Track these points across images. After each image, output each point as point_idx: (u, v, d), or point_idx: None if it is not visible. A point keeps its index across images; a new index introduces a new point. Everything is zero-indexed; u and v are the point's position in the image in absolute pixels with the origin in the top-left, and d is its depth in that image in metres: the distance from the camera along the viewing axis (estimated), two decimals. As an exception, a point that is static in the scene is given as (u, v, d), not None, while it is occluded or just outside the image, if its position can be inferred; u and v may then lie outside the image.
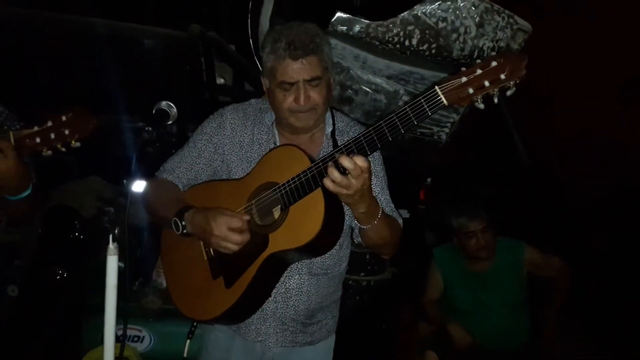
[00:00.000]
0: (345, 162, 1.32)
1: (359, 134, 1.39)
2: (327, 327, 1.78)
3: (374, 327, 3.14)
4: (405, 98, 2.78)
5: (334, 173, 1.33)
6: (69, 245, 2.64)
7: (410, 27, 2.44)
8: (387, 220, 1.54)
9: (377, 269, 3.11)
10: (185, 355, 1.71)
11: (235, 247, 1.46)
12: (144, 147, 1.32)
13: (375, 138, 1.34)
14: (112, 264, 1.19)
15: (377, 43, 2.46)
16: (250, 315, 1.63)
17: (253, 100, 1.73)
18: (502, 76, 1.24)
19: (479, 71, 1.25)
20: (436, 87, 1.29)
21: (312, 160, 1.46)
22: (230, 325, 1.70)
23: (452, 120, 2.92)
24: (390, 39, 2.44)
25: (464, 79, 1.26)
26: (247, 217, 1.50)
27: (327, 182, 1.35)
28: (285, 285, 1.63)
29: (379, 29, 2.42)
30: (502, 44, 2.64)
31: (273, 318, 1.66)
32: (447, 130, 2.97)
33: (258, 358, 1.74)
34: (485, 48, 2.59)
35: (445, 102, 1.28)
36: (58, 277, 2.54)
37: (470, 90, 1.26)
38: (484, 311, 2.73)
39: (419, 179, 3.43)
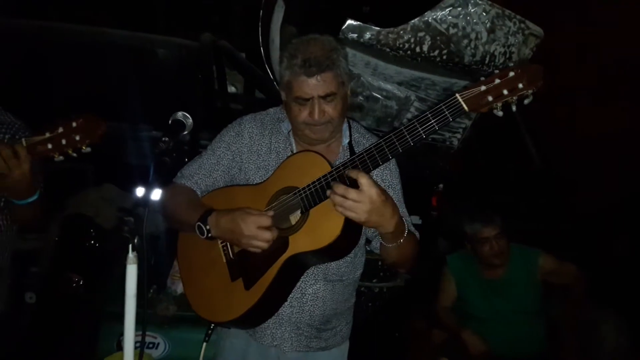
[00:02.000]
0: (338, 189, 1.37)
1: (380, 139, 1.42)
2: (342, 333, 1.79)
3: (387, 333, 3.13)
4: (417, 104, 2.78)
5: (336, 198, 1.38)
6: (85, 252, 2.67)
7: (421, 34, 2.44)
8: (411, 239, 1.55)
9: (389, 276, 3.10)
10: (201, 359, 1.72)
11: (266, 245, 1.49)
12: (161, 157, 1.34)
13: (396, 143, 1.38)
14: (132, 272, 1.20)
15: (387, 50, 2.47)
16: (267, 318, 1.65)
17: (271, 110, 1.76)
18: (520, 85, 1.29)
19: (497, 80, 1.31)
20: (457, 95, 1.34)
21: (331, 165, 1.49)
22: (247, 329, 1.72)
23: (464, 126, 2.92)
24: (401, 46, 2.45)
25: (483, 88, 1.31)
26: (271, 213, 1.53)
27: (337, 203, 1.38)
28: (301, 290, 1.65)
29: (390, 35, 2.43)
30: (513, 49, 2.64)
31: (289, 323, 1.67)
32: (459, 136, 2.96)
33: None
34: (496, 53, 2.59)
35: (465, 108, 1.32)
36: (74, 285, 2.56)
37: (490, 98, 1.31)
38: (498, 318, 2.70)
39: (431, 185, 3.43)
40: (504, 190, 3.72)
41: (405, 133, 1.37)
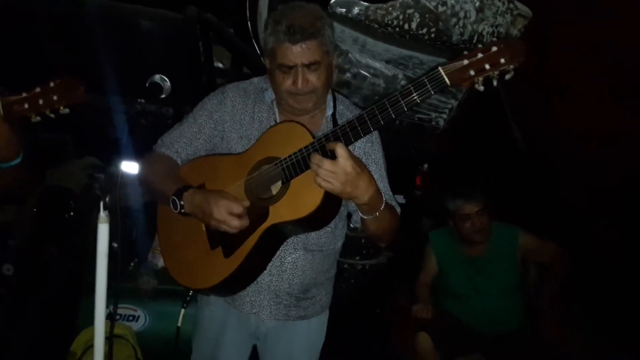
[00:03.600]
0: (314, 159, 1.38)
1: (362, 111, 1.41)
2: (321, 303, 1.80)
3: (369, 310, 3.16)
4: (404, 82, 2.76)
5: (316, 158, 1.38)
6: (63, 224, 2.64)
7: (409, 11, 2.43)
8: (389, 211, 1.55)
9: (372, 253, 3.13)
10: (179, 324, 1.72)
11: (233, 231, 1.49)
12: (137, 119, 1.31)
13: (378, 115, 1.38)
14: (104, 231, 1.19)
15: (376, 26, 2.45)
16: (246, 286, 1.66)
17: (255, 79, 1.74)
18: (502, 60, 1.28)
19: (480, 55, 1.30)
20: (439, 68, 1.33)
21: (314, 136, 1.48)
22: (226, 296, 1.73)
23: (450, 106, 2.92)
24: (390, 22, 2.43)
25: (465, 62, 1.31)
26: (247, 204, 1.52)
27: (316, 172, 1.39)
28: (280, 259, 1.65)
29: (379, 11, 2.41)
30: (501, 29, 2.63)
31: (268, 291, 1.68)
32: (445, 116, 2.96)
33: (252, 332, 1.78)
34: (485, 33, 2.58)
35: (447, 81, 1.32)
36: (52, 256, 2.54)
37: (472, 72, 1.30)
38: (478, 295, 2.75)
39: (416, 164, 3.44)
40: (487, 171, 3.75)
41: (387, 105, 1.37)
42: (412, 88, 1.35)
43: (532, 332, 2.70)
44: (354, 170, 1.36)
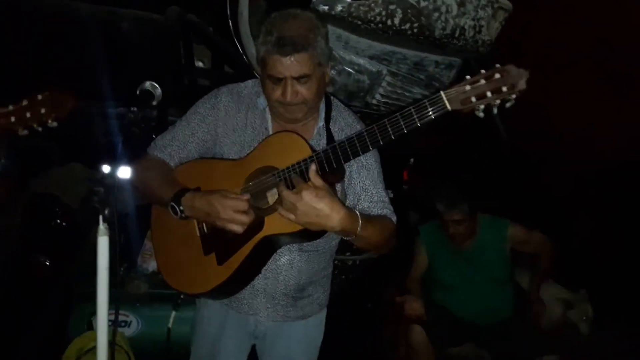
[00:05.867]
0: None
1: (361, 130, 1.42)
2: (319, 301, 1.80)
3: (360, 305, 3.18)
4: (388, 78, 2.77)
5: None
6: (52, 232, 2.61)
7: (392, 6, 2.43)
8: (372, 227, 1.49)
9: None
10: (169, 325, 1.72)
11: (241, 229, 1.49)
12: (130, 128, 1.31)
13: (378, 135, 1.38)
14: (103, 244, 1.18)
15: (359, 22, 2.45)
16: (239, 290, 1.66)
17: (249, 82, 1.72)
18: (504, 88, 1.29)
19: (482, 81, 1.30)
20: (441, 93, 1.33)
21: (313, 149, 1.48)
22: (221, 299, 1.73)
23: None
24: (373, 18, 2.44)
25: (467, 88, 1.31)
26: (248, 197, 1.52)
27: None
28: (275, 261, 1.65)
29: (361, 8, 2.41)
30: (483, 23, 2.65)
31: (264, 294, 1.68)
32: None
33: (251, 331, 1.78)
34: (466, 27, 2.60)
35: (449, 107, 1.32)
36: (41, 266, 2.51)
37: (473, 99, 1.31)
38: (468, 287, 2.78)
39: (403, 159, 3.45)
40: (472, 166, 3.78)
41: (388, 126, 1.37)
42: (413, 111, 1.35)
43: (522, 321, 2.74)
44: (312, 202, 1.35)
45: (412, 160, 3.52)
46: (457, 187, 2.84)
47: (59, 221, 2.57)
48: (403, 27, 2.49)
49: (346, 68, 2.71)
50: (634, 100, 3.23)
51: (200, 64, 3.89)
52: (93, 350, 2.24)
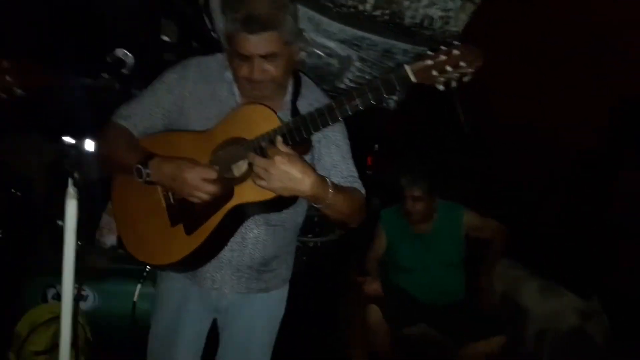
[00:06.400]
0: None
1: (330, 102, 1.43)
2: (282, 276, 1.82)
3: (321, 286, 3.22)
4: (358, 64, 2.80)
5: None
6: (6, 202, 2.52)
7: (365, -9, 2.45)
8: (342, 196, 1.51)
9: (324, 231, 3.18)
10: (135, 299, 1.70)
11: (207, 197, 1.49)
12: (100, 95, 1.28)
13: (346, 105, 1.40)
14: (72, 207, 1.16)
15: (331, 5, 2.46)
16: (207, 262, 1.65)
17: (219, 55, 1.69)
18: (462, 64, 1.35)
19: (442, 56, 1.37)
20: (405, 66, 1.38)
21: (281, 120, 1.48)
22: (186, 272, 1.72)
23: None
24: (345, 2, 2.45)
25: (429, 62, 1.37)
26: (217, 168, 1.52)
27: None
28: (242, 234, 1.65)
29: (335, -10, 2.41)
30: (451, 14, 2.70)
31: (229, 266, 1.69)
32: (395, 97, 3.03)
33: (214, 306, 1.78)
34: (435, 17, 2.65)
35: (413, 79, 1.37)
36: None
37: (434, 72, 1.37)
38: (424, 269, 2.89)
39: (368, 145, 3.50)
40: (435, 152, 3.87)
41: (355, 96, 1.40)
42: (379, 82, 1.39)
43: (472, 304, 2.86)
44: (284, 166, 1.38)
45: (376, 146, 3.57)
46: (421, 167, 2.92)
47: (14, 191, 2.48)
48: (374, 13, 2.51)
49: (316, 51, 2.71)
50: (597, 88, 3.36)
51: (166, 39, 3.80)
52: (47, 322, 2.21)
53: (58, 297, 2.33)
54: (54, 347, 2.19)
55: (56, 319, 2.21)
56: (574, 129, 3.51)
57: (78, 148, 1.15)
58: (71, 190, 1.14)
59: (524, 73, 3.61)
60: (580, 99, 3.45)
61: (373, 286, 2.79)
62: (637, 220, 3.22)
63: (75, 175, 1.12)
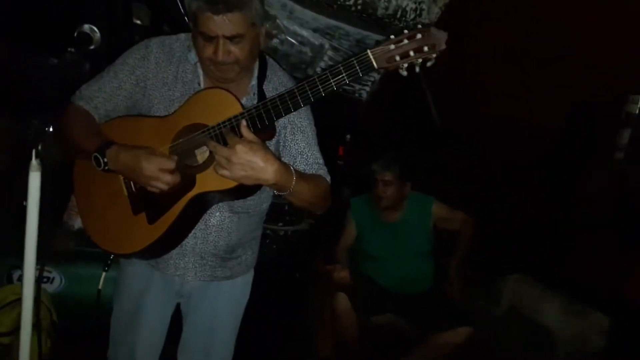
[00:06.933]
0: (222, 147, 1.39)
1: (292, 87, 1.42)
2: (247, 262, 1.82)
3: (290, 274, 3.24)
4: (330, 53, 2.82)
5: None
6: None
7: (338, -20, 2.46)
8: (306, 183, 1.51)
9: (294, 220, 3.20)
10: (100, 287, 1.69)
11: (165, 187, 1.47)
12: (67, 69, 1.26)
13: (308, 92, 1.40)
14: (35, 180, 1.15)
15: (305, -7, 2.47)
16: (170, 250, 1.65)
17: (182, 35, 1.67)
18: (425, 48, 1.36)
19: (405, 41, 1.37)
20: (368, 51, 1.38)
21: (243, 106, 1.47)
22: (149, 259, 1.71)
23: (372, 79, 3.02)
24: (318, -10, 2.46)
25: (392, 47, 1.37)
26: (175, 158, 1.50)
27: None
28: (205, 222, 1.64)
29: (308, -22, 2.43)
30: (424, 7, 2.74)
31: (192, 253, 1.68)
32: (367, 88, 3.06)
33: (176, 291, 1.78)
34: (408, 9, 2.68)
35: (375, 65, 1.37)
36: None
37: (397, 58, 1.37)
38: (393, 258, 2.92)
39: (339, 135, 3.53)
40: (405, 143, 3.93)
41: (318, 83, 1.39)
42: (342, 68, 1.38)
43: (440, 294, 2.91)
44: (246, 155, 1.36)
45: (348, 136, 3.60)
46: (393, 153, 2.97)
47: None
48: (347, 3, 2.53)
49: (289, 38, 2.72)
50: (559, 90, 3.45)
51: (138, 23, 3.74)
52: (12, 303, 2.18)
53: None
54: (19, 328, 2.17)
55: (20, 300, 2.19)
56: (540, 129, 3.61)
57: (42, 121, 1.14)
58: (34, 162, 1.13)
59: (496, 70, 3.69)
60: (543, 99, 3.55)
61: (342, 274, 2.81)
62: (596, 215, 3.35)
63: (39, 147, 1.11)
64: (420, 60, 1.37)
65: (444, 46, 1.37)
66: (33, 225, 1.19)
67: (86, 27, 1.36)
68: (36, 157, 1.13)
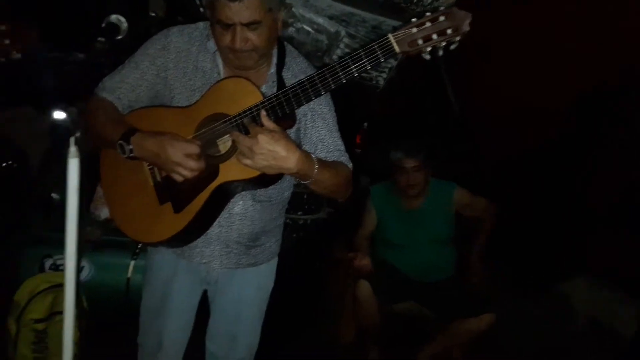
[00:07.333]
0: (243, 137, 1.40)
1: (312, 74, 1.42)
2: (271, 249, 1.84)
3: (309, 264, 3.27)
4: (346, 40, 2.82)
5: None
6: (2, 174, 2.53)
7: (354, -34, 2.46)
8: (328, 171, 1.51)
9: (314, 209, 3.22)
10: (129, 275, 1.73)
11: (190, 174, 1.48)
12: (97, 58, 1.30)
13: (329, 79, 1.39)
14: (74, 166, 1.18)
15: (321, -20, 2.47)
16: (196, 238, 1.67)
17: (201, 24, 1.67)
18: (449, 31, 1.33)
19: (428, 24, 1.34)
20: (389, 35, 1.36)
21: (264, 95, 1.48)
22: (175, 247, 1.74)
23: (390, 65, 3.01)
24: (334, -23, 2.46)
25: (414, 30, 1.34)
26: (200, 143, 1.51)
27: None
28: (229, 210, 1.66)
29: (323, -36, 2.43)
30: (441, -10, 2.73)
31: (217, 242, 1.70)
32: (385, 75, 3.05)
33: (202, 278, 1.80)
34: (424, -7, 2.68)
35: (397, 49, 1.35)
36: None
37: (420, 42, 1.34)
38: (414, 245, 2.91)
39: (357, 123, 3.53)
40: (423, 130, 3.92)
41: (338, 69, 1.38)
42: (362, 54, 1.37)
43: (462, 281, 2.90)
44: (268, 145, 1.37)
45: (365, 124, 3.60)
46: (416, 140, 2.94)
47: (10, 163, 2.50)
48: (364, -11, 2.53)
49: (305, 26, 2.73)
50: (577, 69, 3.41)
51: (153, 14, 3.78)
52: (44, 292, 2.25)
53: (55, 267, 2.37)
54: (52, 315, 2.24)
55: (53, 287, 2.26)
56: (558, 113, 3.57)
57: (78, 109, 1.17)
58: (72, 149, 1.16)
59: (514, 53, 3.65)
60: (563, 84, 3.51)
61: (363, 262, 2.81)
62: (610, 207, 3.29)
63: (77, 134, 1.14)
64: (443, 43, 1.34)
65: (468, 28, 1.33)
66: (73, 212, 1.23)
67: (114, 17, 1.39)
68: (74, 143, 1.17)
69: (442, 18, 1.33)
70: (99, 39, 1.27)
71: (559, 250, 3.46)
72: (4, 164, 2.50)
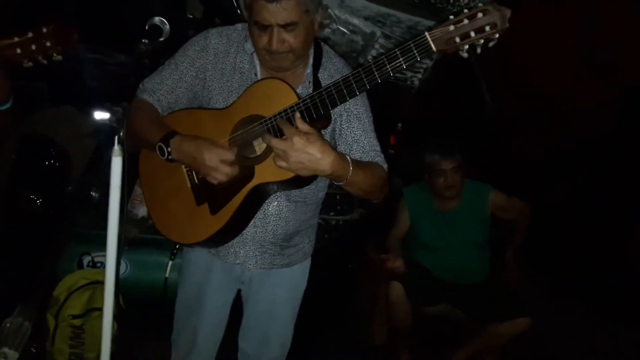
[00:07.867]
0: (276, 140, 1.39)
1: (347, 74, 1.41)
2: (304, 250, 1.85)
3: (341, 264, 3.27)
4: (382, 41, 2.80)
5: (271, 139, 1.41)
6: (44, 172, 2.61)
7: (390, -33, 2.45)
8: (363, 173, 1.50)
9: (346, 209, 3.21)
10: (167, 275, 1.76)
11: (224, 178, 1.50)
12: (141, 59, 1.33)
13: (364, 79, 1.38)
14: (117, 164, 1.21)
15: (356, -19, 2.46)
16: (232, 239, 1.69)
17: (239, 25, 1.69)
18: (487, 28, 1.29)
19: (465, 21, 1.30)
20: (426, 33, 1.33)
21: (299, 96, 1.48)
22: (211, 248, 1.76)
23: (425, 66, 2.98)
24: (370, -22, 2.45)
25: (451, 28, 1.31)
26: (236, 151, 1.53)
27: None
28: (264, 211, 1.67)
29: (359, -35, 2.42)
30: (478, -11, 2.68)
31: (252, 242, 1.71)
32: (419, 76, 3.02)
33: (237, 277, 1.82)
34: (461, -8, 2.64)
35: (434, 48, 1.32)
36: (32, 202, 2.52)
37: (457, 40, 1.31)
38: (448, 248, 2.88)
39: (391, 123, 3.51)
40: (458, 131, 3.86)
41: (374, 69, 1.37)
42: (398, 53, 1.35)
43: (497, 284, 2.84)
44: (302, 147, 1.36)
45: (399, 125, 3.57)
46: (452, 141, 2.90)
47: (52, 162, 2.57)
48: (400, -11, 2.51)
49: (340, 27, 2.72)
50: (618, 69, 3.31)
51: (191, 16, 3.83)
52: (82, 288, 2.31)
53: (93, 264, 2.44)
54: (89, 311, 2.30)
55: (90, 284, 2.32)
56: (598, 111, 3.47)
57: (123, 109, 1.20)
58: (116, 147, 1.19)
59: (549, 50, 3.57)
60: (601, 80, 3.41)
61: (396, 264, 2.78)
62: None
63: (122, 133, 1.17)
64: (482, 40, 1.31)
65: (507, 25, 1.29)
66: (115, 209, 1.26)
67: (157, 19, 1.42)
68: (118, 142, 1.20)
69: (480, 15, 1.30)
70: (143, 40, 1.30)
71: (600, 253, 3.37)
72: (47, 163, 2.58)
